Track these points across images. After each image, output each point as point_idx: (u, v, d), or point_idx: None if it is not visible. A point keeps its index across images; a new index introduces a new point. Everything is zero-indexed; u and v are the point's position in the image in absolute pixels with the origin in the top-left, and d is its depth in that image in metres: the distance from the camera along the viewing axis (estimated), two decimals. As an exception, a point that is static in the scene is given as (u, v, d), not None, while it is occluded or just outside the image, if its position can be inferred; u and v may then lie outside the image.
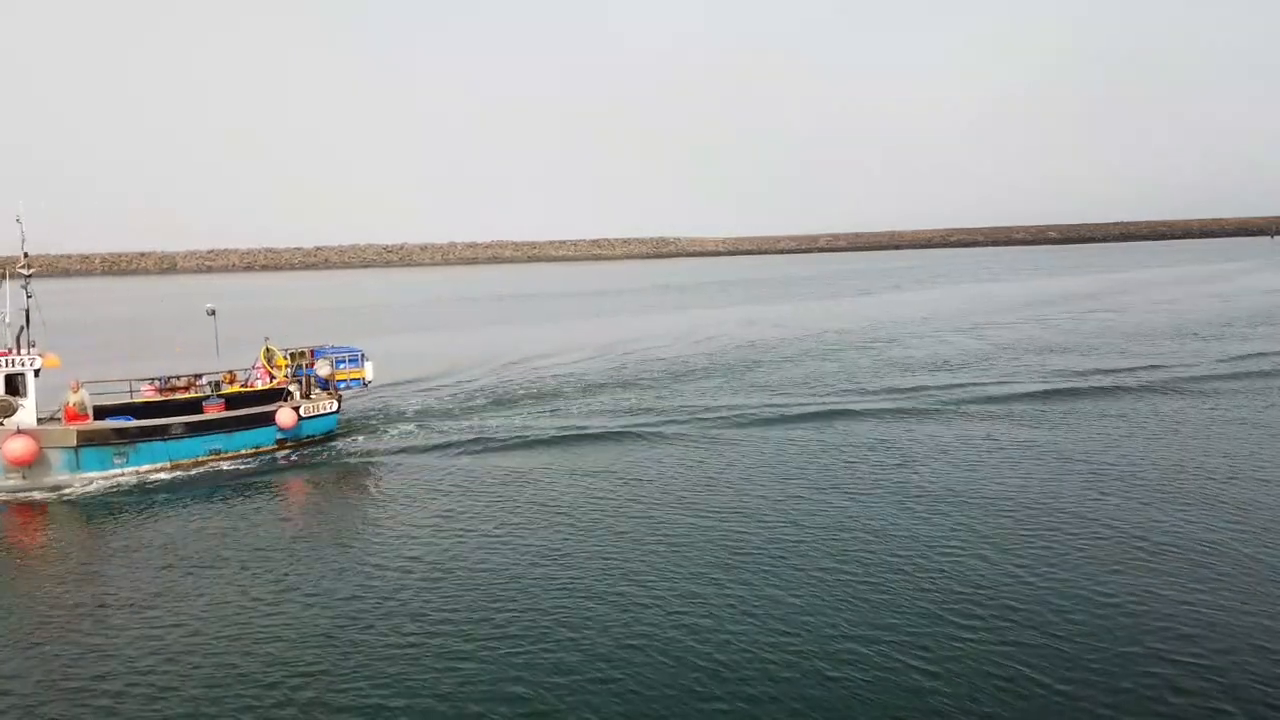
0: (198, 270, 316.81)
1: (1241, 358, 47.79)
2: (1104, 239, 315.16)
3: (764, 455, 30.71)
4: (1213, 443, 30.54)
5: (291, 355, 36.56)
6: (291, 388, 35.10)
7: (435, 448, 32.86)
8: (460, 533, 23.37)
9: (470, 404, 40.85)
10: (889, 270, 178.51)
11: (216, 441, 31.74)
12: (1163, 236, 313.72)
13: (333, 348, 38.26)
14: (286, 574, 20.86)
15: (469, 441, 33.46)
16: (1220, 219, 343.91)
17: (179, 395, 33.57)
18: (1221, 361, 46.85)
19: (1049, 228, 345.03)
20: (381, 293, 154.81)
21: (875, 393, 41.07)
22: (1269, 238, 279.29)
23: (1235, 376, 42.58)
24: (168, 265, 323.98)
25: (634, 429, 34.93)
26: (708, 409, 38.42)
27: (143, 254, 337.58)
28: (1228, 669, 15.24)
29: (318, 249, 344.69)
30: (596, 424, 35.90)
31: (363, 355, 37.46)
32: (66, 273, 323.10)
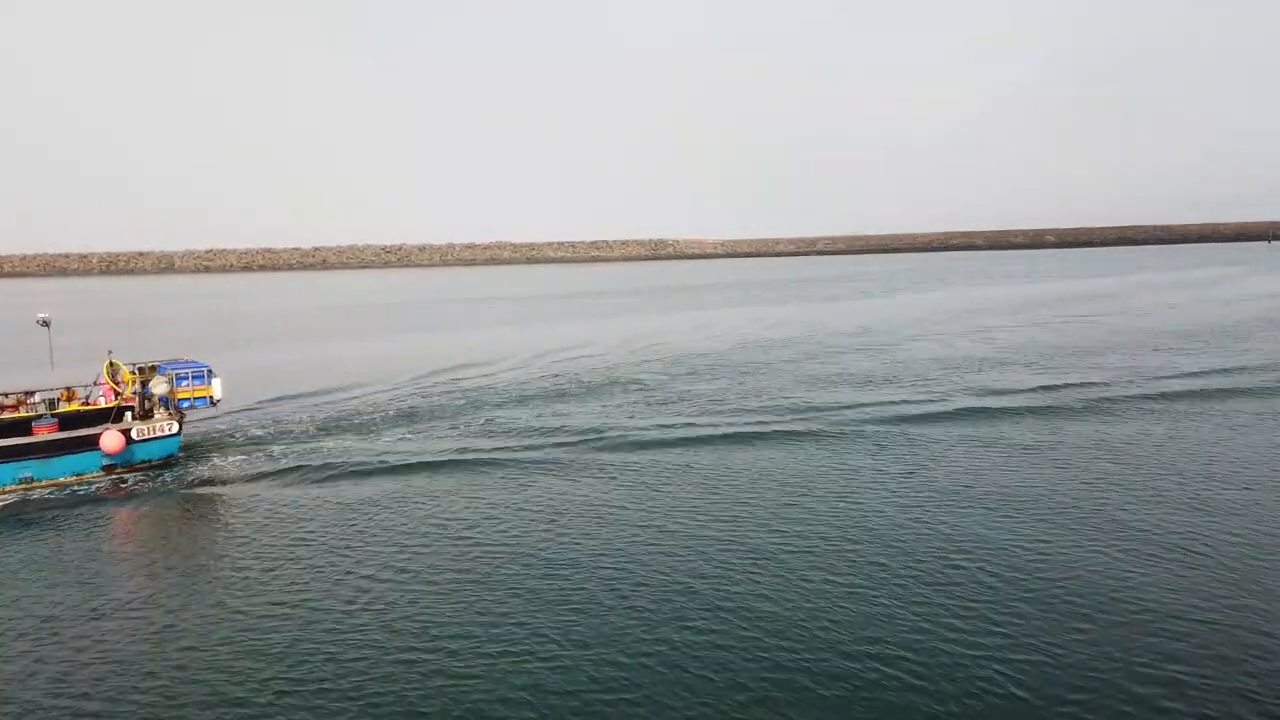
0: (195, 270, 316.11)
1: (1242, 370, 45.40)
2: (1102, 243, 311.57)
3: (670, 479, 27.80)
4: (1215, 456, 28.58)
5: (140, 370, 33.43)
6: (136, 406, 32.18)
7: (291, 473, 29.72)
8: (305, 570, 20.66)
9: (345, 424, 37.70)
10: (884, 274, 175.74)
11: (28, 468, 28.96)
12: (1161, 241, 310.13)
13: (177, 362, 35.10)
14: (68, 624, 18.22)
15: (328, 465, 30.36)
16: (1218, 223, 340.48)
17: (5, 415, 30.55)
18: (1224, 373, 44.53)
19: (1047, 231, 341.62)
20: (312, 295, 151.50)
21: (861, 405, 38.80)
22: (1266, 243, 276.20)
23: (1244, 392, 40.30)
24: (166, 265, 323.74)
25: (519, 454, 31.85)
26: (619, 428, 35.50)
27: (141, 253, 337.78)
28: None
29: (316, 249, 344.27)
30: (478, 446, 32.94)
31: (209, 371, 34.12)
32: (64, 272, 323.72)
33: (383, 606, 18.43)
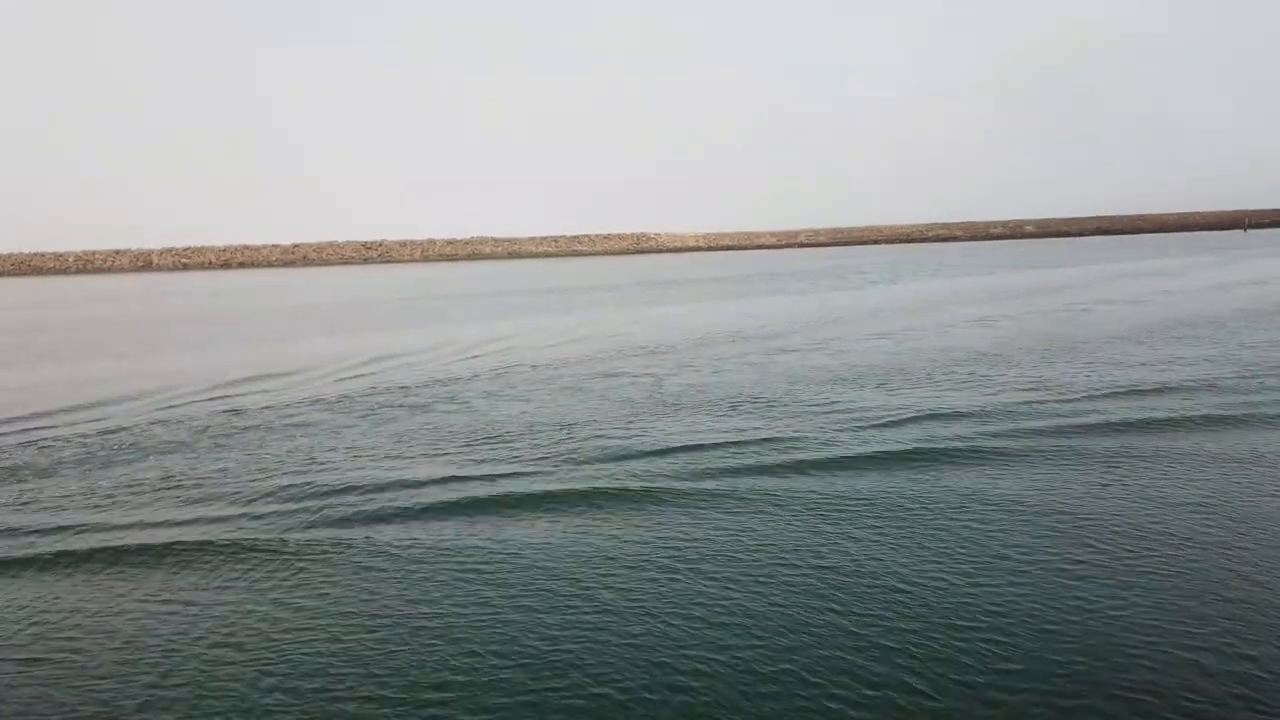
0: (173, 268, 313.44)
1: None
2: (1080, 233, 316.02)
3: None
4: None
5: None
6: None
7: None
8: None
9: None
10: (867, 266, 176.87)
11: None
12: (1138, 230, 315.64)
13: None
14: None
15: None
16: (1194, 212, 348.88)
17: None
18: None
19: (1026, 222, 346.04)
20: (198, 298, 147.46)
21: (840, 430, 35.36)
22: (1241, 231, 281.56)
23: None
24: (143, 263, 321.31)
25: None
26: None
27: (117, 251, 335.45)
28: None
29: (295, 246, 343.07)
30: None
31: None
32: (39, 271, 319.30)
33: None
